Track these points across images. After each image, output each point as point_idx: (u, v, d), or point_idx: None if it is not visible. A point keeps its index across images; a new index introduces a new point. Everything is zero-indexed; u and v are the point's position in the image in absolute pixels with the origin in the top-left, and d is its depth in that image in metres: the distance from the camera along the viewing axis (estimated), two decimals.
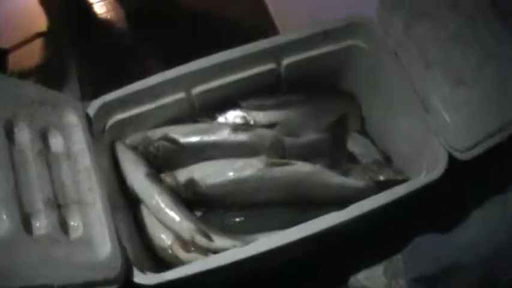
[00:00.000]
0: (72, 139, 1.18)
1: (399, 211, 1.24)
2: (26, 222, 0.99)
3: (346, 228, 1.17)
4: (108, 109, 1.30)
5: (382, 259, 1.38)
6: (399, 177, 1.35)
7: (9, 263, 0.94)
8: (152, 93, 1.34)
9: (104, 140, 1.32)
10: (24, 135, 1.08)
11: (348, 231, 1.23)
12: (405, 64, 1.31)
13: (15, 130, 1.08)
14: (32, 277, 0.95)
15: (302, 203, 1.34)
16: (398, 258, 1.36)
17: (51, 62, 1.93)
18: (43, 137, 1.13)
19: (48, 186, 1.07)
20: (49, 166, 1.10)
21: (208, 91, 1.38)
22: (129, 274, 1.10)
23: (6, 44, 1.88)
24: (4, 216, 0.95)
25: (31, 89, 1.16)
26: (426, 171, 1.24)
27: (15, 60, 1.89)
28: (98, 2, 2.07)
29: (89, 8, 2.08)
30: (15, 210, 0.97)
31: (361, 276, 1.36)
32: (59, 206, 1.07)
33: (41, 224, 1.02)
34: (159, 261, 1.30)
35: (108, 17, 2.04)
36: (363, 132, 1.55)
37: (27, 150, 1.07)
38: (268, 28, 1.94)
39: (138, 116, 1.35)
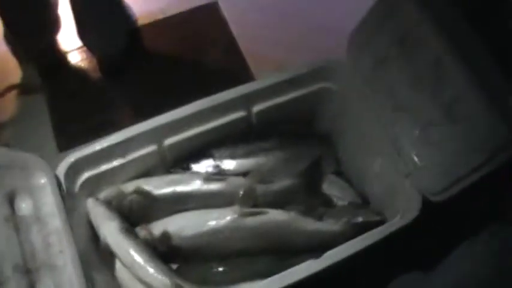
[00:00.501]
0: (41, 201, 1.17)
1: (376, 253, 1.24)
2: None
3: (323, 274, 1.16)
4: (78, 167, 1.29)
5: None
6: (376, 219, 1.34)
7: None
8: (124, 147, 1.33)
9: (77, 197, 1.30)
10: None
11: (325, 276, 1.22)
12: (375, 106, 1.32)
13: None
14: None
15: (280, 251, 1.33)
16: None
17: (26, 114, 1.92)
18: (11, 201, 1.12)
19: (17, 251, 1.07)
20: (18, 230, 1.10)
21: (180, 142, 1.38)
22: None
23: None
24: None
25: None
26: (401, 213, 1.24)
27: None
28: (71, 50, 2.07)
29: (61, 57, 2.07)
30: None
31: None
32: (28, 271, 1.06)
33: None
34: None
35: (82, 65, 2.04)
36: (339, 173, 1.54)
37: None
38: (242, 73, 1.95)
39: (110, 170, 1.34)
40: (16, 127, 1.89)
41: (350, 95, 1.39)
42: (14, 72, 2.01)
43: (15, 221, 1.10)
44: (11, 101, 1.96)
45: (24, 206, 1.14)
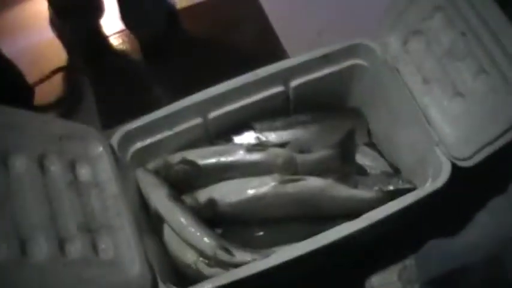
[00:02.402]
0: (99, 169, 1.27)
1: (409, 218, 1.31)
2: (62, 247, 1.08)
3: (359, 237, 1.24)
4: (130, 138, 1.39)
5: (395, 264, 1.43)
6: (407, 186, 1.42)
7: (48, 284, 1.03)
8: (171, 120, 1.43)
9: (128, 167, 1.40)
10: (55, 168, 1.18)
11: (360, 240, 1.30)
12: (405, 79, 1.40)
13: (47, 164, 1.17)
14: None
15: (317, 217, 1.40)
16: (411, 263, 1.41)
17: (71, 95, 2.02)
18: (72, 168, 1.22)
19: (80, 212, 1.17)
20: (79, 194, 1.19)
21: (223, 115, 1.46)
22: None
23: (29, 80, 1.96)
24: (42, 242, 1.05)
25: (58, 124, 1.27)
26: (431, 180, 1.31)
27: (37, 95, 1.97)
28: (113, 34, 2.16)
29: (104, 40, 2.16)
30: (52, 236, 1.07)
31: (376, 282, 1.43)
32: (90, 230, 1.16)
33: (76, 247, 1.11)
34: (184, 279, 1.35)
35: (124, 48, 2.13)
36: (371, 144, 1.61)
37: (59, 181, 1.17)
38: (277, 53, 2.03)
39: (158, 142, 1.44)
40: (62, 108, 2.00)
41: (381, 70, 1.46)
42: (59, 56, 2.11)
43: (77, 185, 1.20)
44: (57, 84, 2.06)
45: (84, 173, 1.24)
